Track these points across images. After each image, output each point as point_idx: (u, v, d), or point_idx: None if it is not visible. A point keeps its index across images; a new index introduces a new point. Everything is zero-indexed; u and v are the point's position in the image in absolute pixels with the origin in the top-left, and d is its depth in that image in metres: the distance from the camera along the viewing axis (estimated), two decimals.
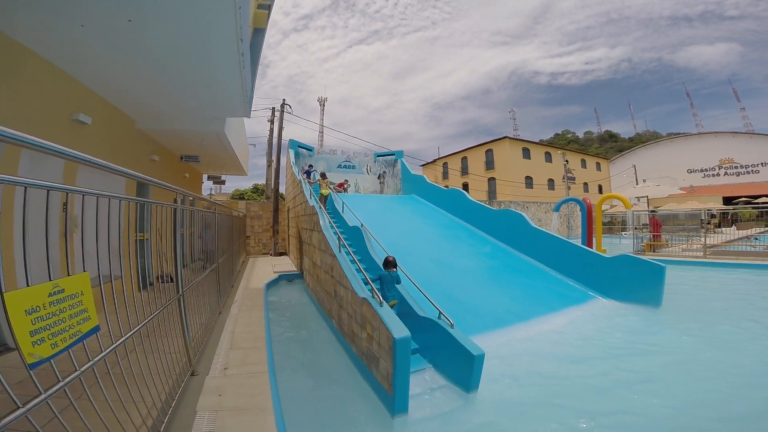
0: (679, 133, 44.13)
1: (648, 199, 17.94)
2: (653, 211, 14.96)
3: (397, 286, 5.30)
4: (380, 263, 6.32)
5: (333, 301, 6.03)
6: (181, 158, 10.00)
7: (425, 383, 4.04)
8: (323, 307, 6.93)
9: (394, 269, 5.38)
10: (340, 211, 9.81)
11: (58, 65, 4.77)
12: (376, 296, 4.18)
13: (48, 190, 1.65)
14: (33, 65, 4.40)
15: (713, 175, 40.20)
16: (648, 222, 14.78)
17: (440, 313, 4.53)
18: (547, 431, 3.25)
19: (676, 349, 4.99)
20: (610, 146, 72.10)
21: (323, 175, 12.40)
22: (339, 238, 6.39)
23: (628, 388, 3.94)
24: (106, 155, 6.17)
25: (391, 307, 4.73)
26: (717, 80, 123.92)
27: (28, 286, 1.50)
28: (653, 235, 14.10)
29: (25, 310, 1.46)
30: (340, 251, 6.06)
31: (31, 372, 1.38)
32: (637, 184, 32.72)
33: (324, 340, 5.81)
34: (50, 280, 1.61)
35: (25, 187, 1.51)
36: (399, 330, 3.47)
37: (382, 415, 3.50)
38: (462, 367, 3.89)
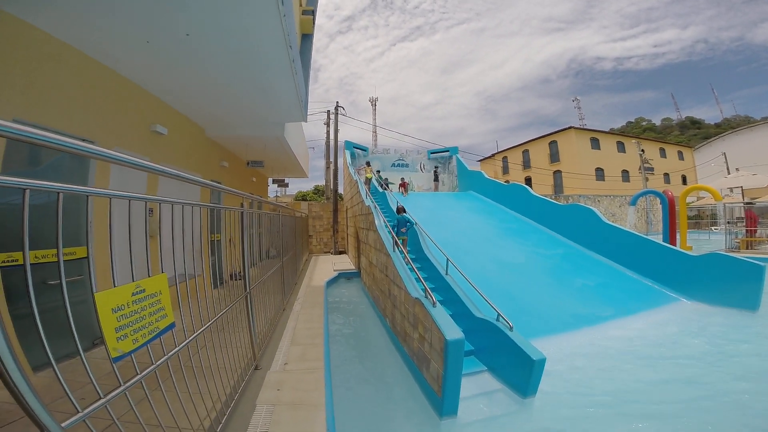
0: None
1: (743, 190, 15.53)
2: (750, 203, 12.94)
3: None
4: (435, 262, 6.32)
5: (387, 300, 6.08)
6: (248, 164, 10.72)
7: (479, 386, 3.92)
8: (378, 306, 7.02)
9: (405, 213, 7.62)
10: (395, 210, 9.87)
11: (133, 80, 5.29)
12: (429, 296, 4.14)
13: (146, 202, 1.92)
14: (112, 82, 4.90)
15: None
16: (743, 215, 12.88)
17: (499, 314, 4.36)
18: None
19: None
20: (693, 133, 64.07)
21: (368, 163, 14.94)
22: (393, 237, 6.42)
23: (710, 403, 3.46)
24: (182, 162, 6.82)
25: (402, 242, 6.84)
26: None
27: (114, 286, 1.69)
28: (749, 230, 12.25)
29: (112, 309, 1.62)
30: (394, 250, 6.08)
31: (114, 365, 1.56)
32: (728, 173, 28.60)
33: (378, 338, 5.89)
34: (132, 281, 1.80)
35: (129, 200, 1.76)
36: (452, 332, 3.40)
37: (429, 417, 3.47)
38: (520, 372, 3.72)
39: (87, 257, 1.65)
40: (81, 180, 4.33)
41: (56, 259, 1.41)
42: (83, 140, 4.07)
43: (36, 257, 3.41)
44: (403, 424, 3.47)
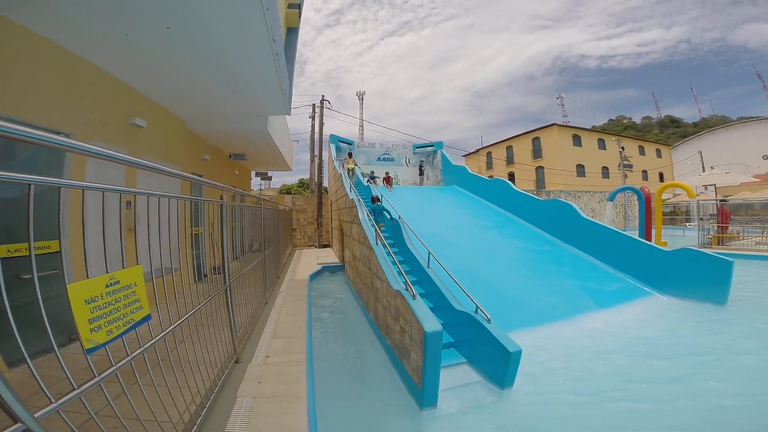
0: (751, 117, 39.01)
1: (716, 188, 16.15)
2: (723, 200, 13.46)
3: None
4: (417, 255, 6.40)
5: (370, 292, 6.14)
6: (230, 156, 10.55)
7: (458, 378, 4.01)
8: (362, 299, 7.07)
9: (379, 202, 8.24)
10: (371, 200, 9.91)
11: (111, 73, 5.13)
12: (409, 289, 4.20)
13: (120, 194, 1.89)
14: (89, 74, 4.76)
15: None
16: (716, 212, 13.41)
17: (477, 307, 4.46)
18: None
19: (739, 350, 4.56)
20: (671, 132, 66.72)
21: (350, 155, 15.38)
22: (376, 231, 6.46)
23: (680, 393, 3.64)
24: (161, 155, 6.68)
25: (380, 228, 7.09)
26: None
27: (87, 278, 1.68)
28: (721, 227, 12.75)
29: (85, 300, 1.60)
30: (377, 243, 6.13)
31: (87, 357, 1.55)
32: (704, 171, 29.72)
33: (361, 331, 5.94)
34: (107, 272, 1.79)
35: (103, 192, 1.73)
36: (430, 324, 3.47)
37: (410, 408, 3.53)
38: (497, 364, 3.82)
39: (60, 251, 1.62)
40: (56, 175, 4.21)
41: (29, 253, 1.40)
42: (59, 133, 3.96)
43: (9, 251, 3.32)
44: (384, 415, 3.53)
